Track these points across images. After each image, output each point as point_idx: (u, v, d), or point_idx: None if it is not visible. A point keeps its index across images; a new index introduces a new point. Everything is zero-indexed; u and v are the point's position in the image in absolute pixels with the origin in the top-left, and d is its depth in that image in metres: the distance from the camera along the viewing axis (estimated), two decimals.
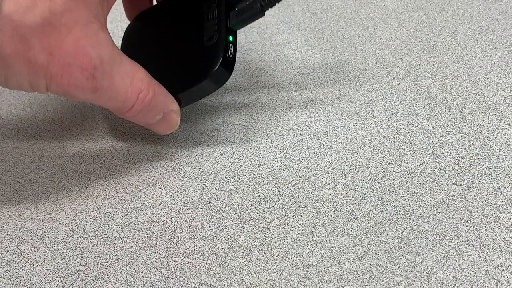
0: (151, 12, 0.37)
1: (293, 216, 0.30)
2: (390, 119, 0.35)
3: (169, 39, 0.35)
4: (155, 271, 0.28)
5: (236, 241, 0.29)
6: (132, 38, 0.37)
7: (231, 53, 0.32)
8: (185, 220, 0.31)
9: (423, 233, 0.29)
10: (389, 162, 0.33)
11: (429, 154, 0.33)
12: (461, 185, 0.31)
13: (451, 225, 0.29)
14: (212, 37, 0.32)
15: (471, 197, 0.31)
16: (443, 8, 0.44)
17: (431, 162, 0.33)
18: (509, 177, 0.31)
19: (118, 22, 0.45)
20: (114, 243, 0.30)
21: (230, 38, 0.32)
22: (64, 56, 0.27)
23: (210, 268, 0.28)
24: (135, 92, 0.30)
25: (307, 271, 0.28)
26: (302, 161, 0.33)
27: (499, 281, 0.27)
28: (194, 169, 0.33)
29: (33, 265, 0.29)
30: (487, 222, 0.29)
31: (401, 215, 0.30)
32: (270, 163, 0.33)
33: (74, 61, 0.27)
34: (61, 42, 0.27)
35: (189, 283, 0.28)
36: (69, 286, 0.28)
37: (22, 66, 0.27)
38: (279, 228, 0.30)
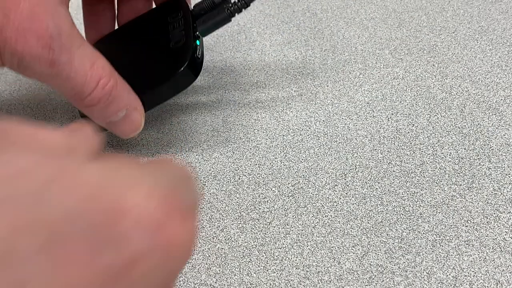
0: (113, 34, 0.36)
1: (293, 216, 0.30)
2: (390, 119, 0.35)
3: (135, 48, 0.35)
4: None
5: (236, 241, 0.29)
6: (103, 46, 0.36)
7: (199, 54, 0.32)
8: None
9: (423, 233, 0.29)
10: (389, 162, 0.33)
11: (429, 154, 0.33)
12: (461, 185, 0.31)
13: (451, 225, 0.29)
14: (179, 40, 0.32)
15: (471, 197, 0.31)
16: (443, 8, 0.44)
17: (431, 162, 0.33)
18: (509, 177, 0.31)
19: None
20: None
21: (197, 42, 0.32)
22: (19, 20, 0.25)
23: (210, 268, 0.28)
24: (95, 78, 0.28)
25: (307, 271, 0.28)
26: (302, 161, 0.33)
27: (499, 281, 0.27)
28: (194, 169, 0.33)
29: None
30: (487, 222, 0.29)
31: (401, 215, 0.30)
32: (270, 163, 0.33)
33: (30, 26, 0.25)
34: (18, 4, 0.25)
35: (189, 283, 0.28)
36: None
37: None
38: (279, 228, 0.30)
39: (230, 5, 0.32)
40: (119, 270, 0.12)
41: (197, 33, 0.33)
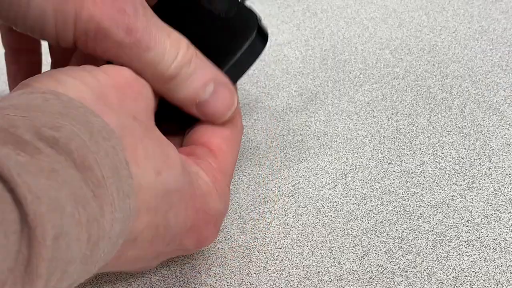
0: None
1: (293, 216, 0.30)
2: (390, 119, 0.35)
3: (198, 18, 0.32)
4: (155, 271, 0.28)
5: (236, 241, 0.29)
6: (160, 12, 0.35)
7: (259, 18, 0.30)
8: None
9: (423, 233, 0.29)
10: (389, 162, 0.33)
11: (429, 154, 0.33)
12: (461, 185, 0.31)
13: (452, 225, 0.29)
14: (229, 10, 0.30)
15: (471, 197, 0.31)
16: (444, 8, 0.44)
17: (431, 162, 0.33)
18: (510, 177, 0.31)
19: None
20: None
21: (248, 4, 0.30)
22: None
23: (210, 269, 0.28)
24: (174, 47, 0.26)
25: (307, 271, 0.28)
26: (302, 161, 0.33)
27: (499, 281, 0.27)
28: None
29: None
30: (487, 222, 0.29)
31: (401, 215, 0.30)
32: (270, 163, 0.33)
33: None
34: None
35: (189, 283, 0.28)
36: None
37: None
38: (279, 228, 0.30)
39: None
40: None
41: None
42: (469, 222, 0.29)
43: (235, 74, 0.30)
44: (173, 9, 0.34)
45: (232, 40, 0.30)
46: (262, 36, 0.30)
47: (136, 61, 0.25)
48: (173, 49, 0.26)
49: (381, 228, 0.29)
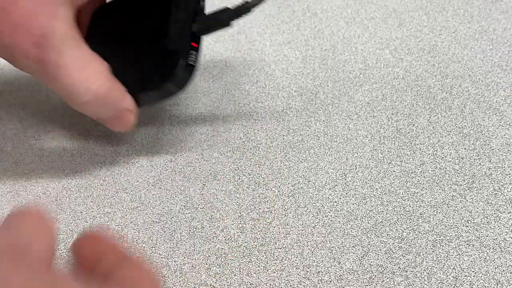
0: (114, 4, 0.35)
1: (293, 216, 0.30)
2: (390, 119, 0.35)
3: (134, 34, 0.34)
4: (155, 271, 0.28)
5: (236, 241, 0.29)
6: (97, 25, 0.35)
7: (192, 60, 0.31)
8: (185, 220, 0.31)
9: (423, 233, 0.29)
10: (389, 162, 0.33)
11: (429, 154, 0.33)
12: (461, 185, 0.31)
13: (451, 225, 0.29)
14: (175, 41, 0.31)
15: (471, 197, 0.31)
16: (444, 8, 0.44)
17: (431, 162, 0.33)
18: (510, 177, 0.31)
19: None
20: None
21: (193, 44, 0.31)
22: (18, 16, 0.26)
23: (210, 268, 0.28)
24: (86, 81, 0.28)
25: (307, 271, 0.28)
26: (302, 161, 0.33)
27: (499, 281, 0.27)
28: (194, 169, 0.33)
29: None
30: (487, 222, 0.29)
31: (401, 215, 0.30)
32: (270, 163, 0.33)
33: (24, 22, 0.26)
34: (17, 3, 0.26)
35: (189, 283, 0.28)
36: None
37: None
38: (279, 228, 0.30)
39: (231, 9, 0.31)
40: None
41: (195, 31, 0.32)
42: (469, 222, 0.29)
43: (148, 101, 0.32)
44: (114, 19, 0.35)
45: (157, 72, 0.31)
46: (186, 74, 0.31)
47: (47, 84, 0.29)
48: (83, 83, 0.28)
49: (381, 228, 0.29)
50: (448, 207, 0.30)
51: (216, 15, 0.32)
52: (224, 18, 0.31)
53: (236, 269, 0.28)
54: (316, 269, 0.28)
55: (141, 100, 0.32)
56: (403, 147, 0.34)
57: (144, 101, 0.32)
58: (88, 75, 0.28)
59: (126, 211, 0.31)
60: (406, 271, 0.28)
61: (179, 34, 0.32)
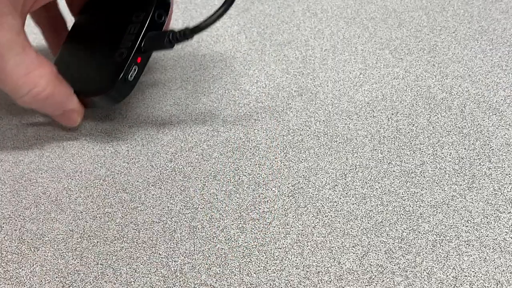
0: (98, 5, 0.38)
1: (293, 216, 0.30)
2: (390, 119, 0.35)
3: (95, 39, 0.36)
4: (155, 271, 0.28)
5: (236, 241, 0.29)
6: (74, 31, 0.38)
7: (131, 76, 0.33)
8: (185, 220, 0.31)
9: (423, 233, 0.29)
10: (389, 162, 0.33)
11: (429, 154, 0.33)
12: (461, 185, 0.31)
13: (451, 225, 0.29)
14: (122, 53, 0.33)
15: (471, 197, 0.31)
16: (444, 8, 0.44)
17: (431, 162, 0.33)
18: (509, 177, 0.31)
19: None
20: (114, 243, 0.30)
21: (137, 59, 0.33)
22: None
23: (210, 268, 0.28)
24: (29, 85, 0.31)
25: (307, 271, 0.28)
26: (302, 161, 0.33)
27: (499, 281, 0.27)
28: (194, 169, 0.33)
29: (33, 265, 0.29)
30: (487, 222, 0.29)
31: (401, 215, 0.30)
32: (270, 163, 0.33)
33: None
34: None
35: (189, 283, 0.28)
36: (69, 286, 0.28)
37: None
38: (279, 228, 0.30)
39: (173, 34, 0.32)
40: None
41: (142, 47, 0.33)
42: (469, 222, 0.29)
43: (90, 105, 0.35)
44: (96, 13, 0.37)
45: (101, 81, 0.33)
46: (122, 89, 0.33)
47: None
48: (25, 87, 0.31)
49: (381, 228, 0.29)
50: (448, 207, 0.30)
51: (162, 35, 0.33)
52: (166, 40, 0.32)
53: (236, 269, 0.28)
54: (316, 269, 0.28)
55: (87, 102, 0.35)
56: (403, 147, 0.34)
57: (90, 104, 0.35)
58: (31, 79, 0.31)
59: (126, 211, 0.31)
60: (406, 271, 0.28)
61: (127, 47, 0.33)
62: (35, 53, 0.32)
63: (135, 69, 0.33)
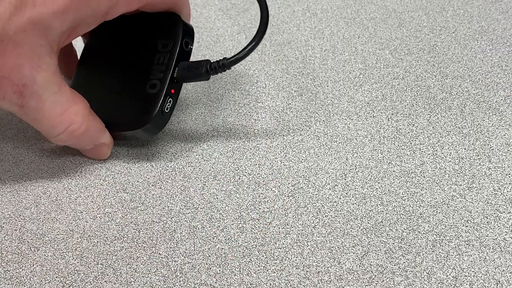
0: (113, 26, 0.35)
1: (293, 216, 0.30)
2: (390, 119, 0.35)
3: (120, 68, 0.35)
4: (155, 271, 0.28)
5: (236, 241, 0.29)
6: (89, 53, 0.36)
7: (167, 108, 0.32)
8: (185, 220, 0.31)
9: (423, 233, 0.29)
10: (389, 162, 0.33)
11: (429, 154, 0.33)
12: (461, 185, 0.31)
13: (451, 225, 0.29)
14: (155, 85, 0.32)
15: (471, 197, 0.31)
16: (443, 8, 0.44)
17: (431, 162, 0.33)
18: (509, 177, 0.31)
19: None
20: (114, 243, 0.30)
21: (171, 91, 0.32)
22: (1, 68, 0.29)
23: (210, 268, 0.28)
24: (65, 123, 0.31)
25: (307, 271, 0.28)
26: (302, 161, 0.33)
27: (499, 281, 0.27)
28: (194, 169, 0.33)
29: (33, 265, 0.29)
30: (487, 222, 0.29)
31: (401, 215, 0.30)
32: (270, 163, 0.33)
33: (8, 74, 0.29)
34: (3, 55, 0.28)
35: (189, 283, 0.28)
36: (69, 286, 0.28)
37: None
38: (279, 228, 0.30)
39: (211, 64, 0.32)
40: None
41: (176, 77, 0.32)
42: (469, 222, 0.29)
43: (121, 137, 0.35)
44: (107, 46, 0.36)
45: (134, 115, 0.33)
46: (159, 121, 0.32)
47: (28, 122, 0.32)
48: (62, 125, 0.31)
49: (381, 228, 0.29)
50: (448, 207, 0.30)
51: (197, 65, 0.32)
52: (204, 70, 0.32)
53: (236, 269, 0.28)
54: (316, 269, 0.28)
55: (119, 135, 0.34)
56: (403, 147, 0.34)
57: (121, 136, 0.34)
58: (67, 117, 0.31)
59: (126, 211, 0.31)
60: (406, 271, 0.28)
61: (159, 79, 0.32)
62: (70, 90, 0.32)
63: (170, 101, 0.32)
